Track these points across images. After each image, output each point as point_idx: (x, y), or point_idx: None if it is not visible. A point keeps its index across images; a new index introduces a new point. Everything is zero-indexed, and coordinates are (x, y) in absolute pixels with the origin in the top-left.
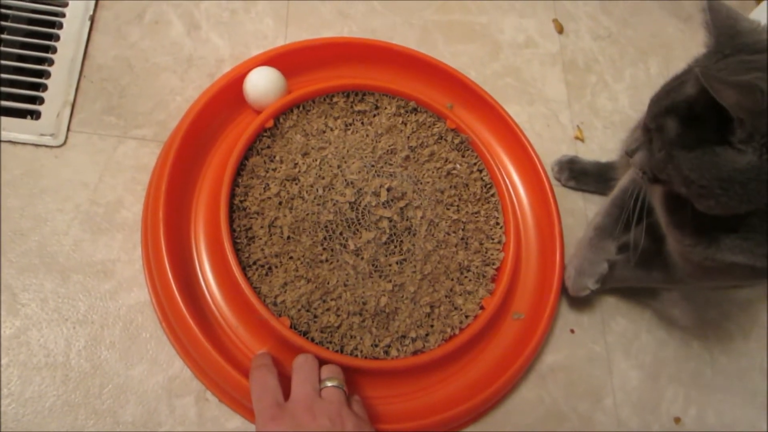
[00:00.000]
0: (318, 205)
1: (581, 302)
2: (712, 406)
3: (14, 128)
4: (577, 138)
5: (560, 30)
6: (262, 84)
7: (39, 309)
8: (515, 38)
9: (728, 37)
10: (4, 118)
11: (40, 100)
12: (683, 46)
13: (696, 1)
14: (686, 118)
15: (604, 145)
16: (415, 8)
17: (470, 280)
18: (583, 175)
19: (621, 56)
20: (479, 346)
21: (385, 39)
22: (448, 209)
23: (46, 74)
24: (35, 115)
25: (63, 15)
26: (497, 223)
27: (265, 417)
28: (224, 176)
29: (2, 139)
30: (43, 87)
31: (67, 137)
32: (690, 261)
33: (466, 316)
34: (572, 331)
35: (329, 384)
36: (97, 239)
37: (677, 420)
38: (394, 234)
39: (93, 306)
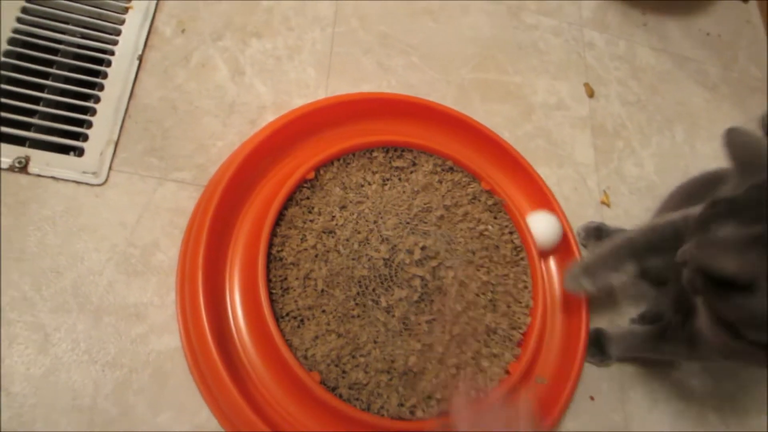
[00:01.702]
0: (353, 259)
1: (601, 369)
2: None
3: (57, 164)
4: (603, 203)
5: (591, 94)
6: (541, 228)
7: (69, 350)
8: (547, 100)
9: (752, 172)
10: (48, 154)
11: (84, 137)
12: (708, 115)
13: (721, 69)
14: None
15: (629, 210)
16: (453, 65)
17: (497, 343)
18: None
19: (648, 123)
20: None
21: (423, 95)
22: (478, 270)
23: (91, 111)
24: (78, 151)
25: (112, 53)
26: (525, 287)
27: None
28: (264, 225)
29: (46, 174)
30: (88, 124)
31: (108, 176)
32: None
33: (491, 380)
34: (592, 398)
35: None
36: (131, 281)
37: None
38: (426, 293)
39: (123, 349)
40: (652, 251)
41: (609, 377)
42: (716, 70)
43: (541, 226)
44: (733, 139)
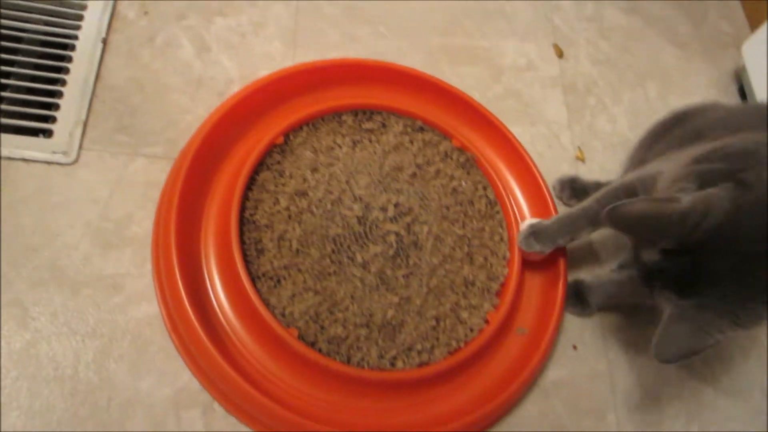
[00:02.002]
0: (326, 219)
1: (584, 320)
2: (714, 423)
3: (28, 146)
4: (578, 158)
5: (560, 54)
6: None
7: (49, 323)
8: (516, 62)
9: (649, 243)
10: (18, 137)
11: (53, 120)
12: (680, 71)
13: (691, 26)
14: None
15: (604, 165)
16: (420, 33)
17: (475, 295)
18: (584, 194)
19: (620, 80)
20: (483, 360)
21: (391, 61)
22: (453, 225)
23: (59, 94)
24: (48, 133)
25: (76, 38)
26: (501, 239)
27: None
28: (235, 190)
29: (16, 156)
30: (56, 107)
31: (78, 155)
32: None
33: (471, 330)
34: (575, 347)
35: None
36: (107, 254)
37: None
38: (401, 248)
39: (102, 319)
40: None
41: (591, 327)
42: (686, 28)
43: None
44: (617, 221)
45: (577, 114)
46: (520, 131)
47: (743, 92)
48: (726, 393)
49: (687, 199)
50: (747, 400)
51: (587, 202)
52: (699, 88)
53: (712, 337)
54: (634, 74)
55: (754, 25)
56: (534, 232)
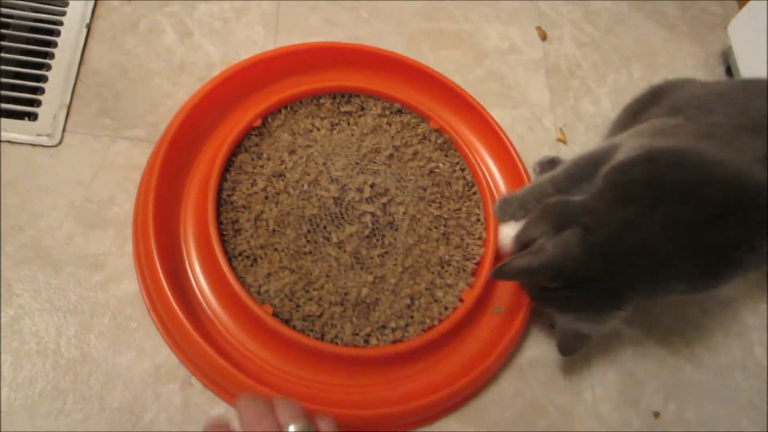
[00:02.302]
0: (303, 200)
1: None
2: (692, 401)
3: (13, 129)
4: (559, 140)
5: (544, 37)
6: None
7: (32, 299)
8: (499, 45)
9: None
10: (3, 120)
11: (38, 103)
12: (666, 52)
13: (679, 7)
14: None
15: (586, 146)
16: (402, 17)
17: (451, 274)
18: None
19: (604, 62)
20: (458, 338)
21: (372, 45)
22: (430, 206)
23: (44, 79)
24: (33, 117)
25: (61, 23)
26: (478, 220)
27: None
28: (212, 171)
29: (2, 139)
30: (41, 91)
31: (62, 137)
32: None
33: (446, 308)
34: (552, 326)
35: (293, 429)
36: (89, 234)
37: (656, 415)
38: (377, 228)
39: (84, 296)
40: (574, 183)
41: None
42: (674, 10)
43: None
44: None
45: (560, 96)
46: (501, 114)
47: (730, 73)
48: (705, 370)
49: (549, 246)
50: (727, 377)
51: (556, 171)
52: (686, 69)
53: (591, 335)
54: (619, 56)
55: (743, 5)
56: (506, 199)
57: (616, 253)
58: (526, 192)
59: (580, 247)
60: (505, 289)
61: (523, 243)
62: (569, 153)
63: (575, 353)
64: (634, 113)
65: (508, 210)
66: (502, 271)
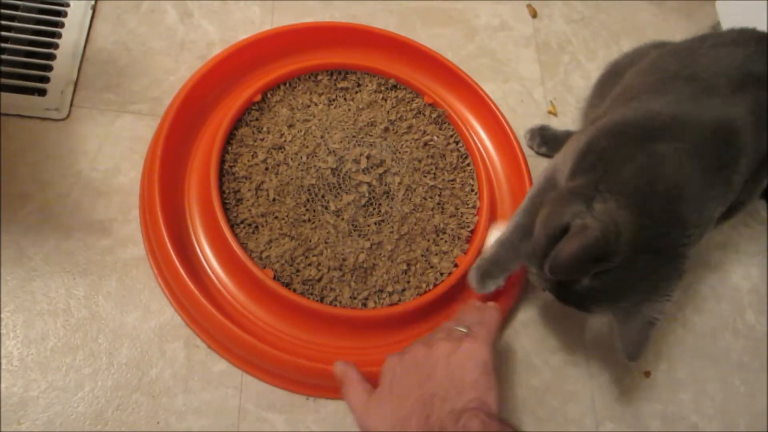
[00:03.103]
0: (302, 170)
1: None
2: (683, 361)
3: (23, 105)
4: (550, 112)
5: (534, 14)
6: None
7: (43, 262)
8: (490, 22)
9: None
10: (14, 95)
11: (47, 80)
12: (655, 28)
13: None
14: None
15: (576, 118)
16: None
17: (446, 242)
18: (554, 141)
19: (594, 38)
20: (455, 304)
21: (366, 24)
22: (425, 176)
23: (52, 57)
24: (42, 92)
25: (68, 5)
26: (472, 190)
27: (394, 353)
28: (214, 144)
29: (12, 113)
30: (50, 68)
31: (70, 111)
32: None
33: (441, 274)
34: (544, 289)
35: (459, 329)
36: (96, 201)
37: (647, 374)
38: (373, 197)
39: (92, 260)
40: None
41: None
42: None
43: None
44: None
45: (551, 71)
46: (492, 88)
47: None
48: (696, 333)
49: (592, 222)
50: (717, 339)
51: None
52: None
53: (657, 318)
54: (609, 32)
55: None
56: (484, 273)
57: (656, 204)
58: (497, 259)
59: (626, 210)
60: None
61: (551, 236)
62: (560, 124)
63: (644, 353)
64: (601, 93)
65: (488, 282)
66: (556, 264)
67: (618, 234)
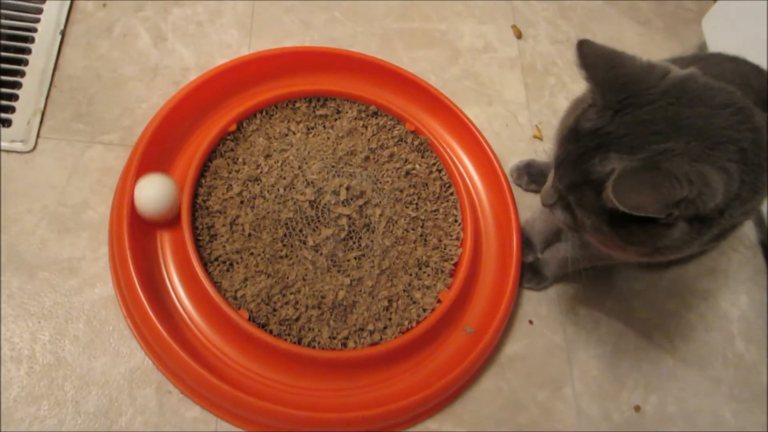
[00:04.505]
0: (279, 203)
1: (540, 294)
2: (673, 394)
3: None
4: (535, 137)
5: (519, 35)
6: (153, 193)
7: (5, 305)
8: (474, 44)
9: (614, 91)
10: None
11: (12, 110)
12: (642, 48)
13: (654, 3)
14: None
15: None
16: (375, 17)
17: (428, 275)
18: (542, 178)
19: None
20: (439, 340)
21: (346, 47)
22: (407, 207)
23: (18, 85)
24: (7, 123)
25: (35, 30)
26: (456, 221)
27: None
28: (187, 176)
29: None
30: (15, 97)
31: (36, 143)
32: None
33: (424, 310)
34: (531, 322)
35: None
36: (63, 238)
37: (637, 408)
38: (353, 231)
39: (58, 301)
40: None
41: (548, 301)
42: (649, 5)
43: (148, 192)
44: (587, 54)
45: (536, 93)
46: (477, 112)
47: None
48: (686, 363)
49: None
50: (707, 369)
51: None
52: None
53: (681, 185)
54: None
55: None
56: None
57: None
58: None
59: (737, 165)
60: (485, 288)
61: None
62: (546, 149)
63: (641, 212)
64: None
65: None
66: (583, 47)
67: (664, 72)
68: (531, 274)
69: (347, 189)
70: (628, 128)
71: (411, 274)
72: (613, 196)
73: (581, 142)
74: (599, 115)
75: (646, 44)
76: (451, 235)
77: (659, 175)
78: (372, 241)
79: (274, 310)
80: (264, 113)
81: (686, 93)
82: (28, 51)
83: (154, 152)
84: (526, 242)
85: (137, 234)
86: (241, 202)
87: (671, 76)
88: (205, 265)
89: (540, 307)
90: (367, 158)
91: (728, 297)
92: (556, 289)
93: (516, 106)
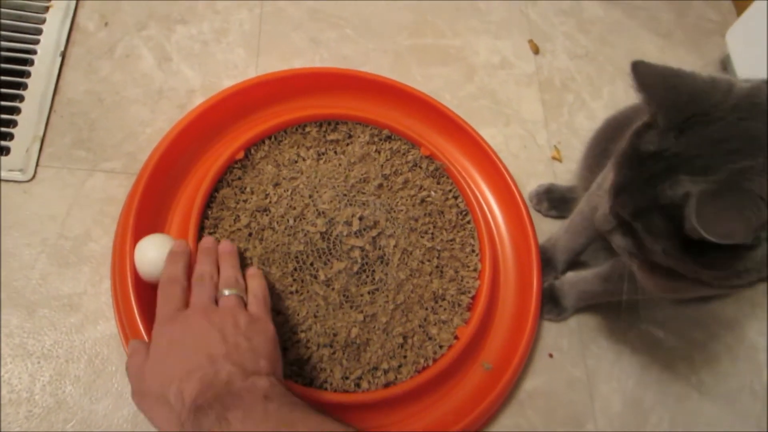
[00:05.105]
0: (288, 235)
1: (560, 325)
2: (699, 429)
3: None
4: (554, 158)
5: (536, 50)
6: (154, 255)
7: (4, 344)
8: (490, 60)
9: (677, 111)
10: None
11: (10, 137)
12: (662, 61)
13: (675, 15)
14: (679, 219)
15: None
16: (388, 34)
17: (445, 309)
18: (562, 203)
19: (598, 74)
20: (455, 378)
21: (358, 65)
22: (422, 237)
23: (16, 111)
24: (5, 151)
25: (35, 52)
26: (473, 251)
27: (162, 320)
28: (193, 207)
29: None
30: (13, 123)
31: (36, 172)
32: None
33: (441, 347)
34: (551, 355)
35: (227, 293)
36: (64, 273)
37: None
38: (366, 263)
39: (58, 340)
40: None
41: (569, 333)
42: (669, 17)
43: (150, 254)
44: (644, 74)
45: (554, 111)
46: (494, 132)
47: None
48: (712, 397)
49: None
50: (734, 403)
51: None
52: None
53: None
54: (614, 67)
55: (741, 12)
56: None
57: None
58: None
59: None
60: (504, 321)
61: None
62: (565, 171)
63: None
64: (596, 156)
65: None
66: (638, 68)
67: (729, 88)
68: (550, 305)
69: (360, 219)
70: (698, 148)
71: (427, 309)
72: (699, 226)
73: (645, 166)
74: (662, 137)
75: (667, 57)
76: (469, 267)
77: (742, 196)
78: (386, 274)
79: (285, 349)
80: (273, 139)
81: (756, 106)
82: (27, 74)
83: (159, 181)
84: (546, 262)
85: None
86: (249, 234)
87: (737, 89)
88: None
89: (560, 338)
90: (380, 185)
91: (755, 325)
92: (576, 320)
93: (534, 125)
